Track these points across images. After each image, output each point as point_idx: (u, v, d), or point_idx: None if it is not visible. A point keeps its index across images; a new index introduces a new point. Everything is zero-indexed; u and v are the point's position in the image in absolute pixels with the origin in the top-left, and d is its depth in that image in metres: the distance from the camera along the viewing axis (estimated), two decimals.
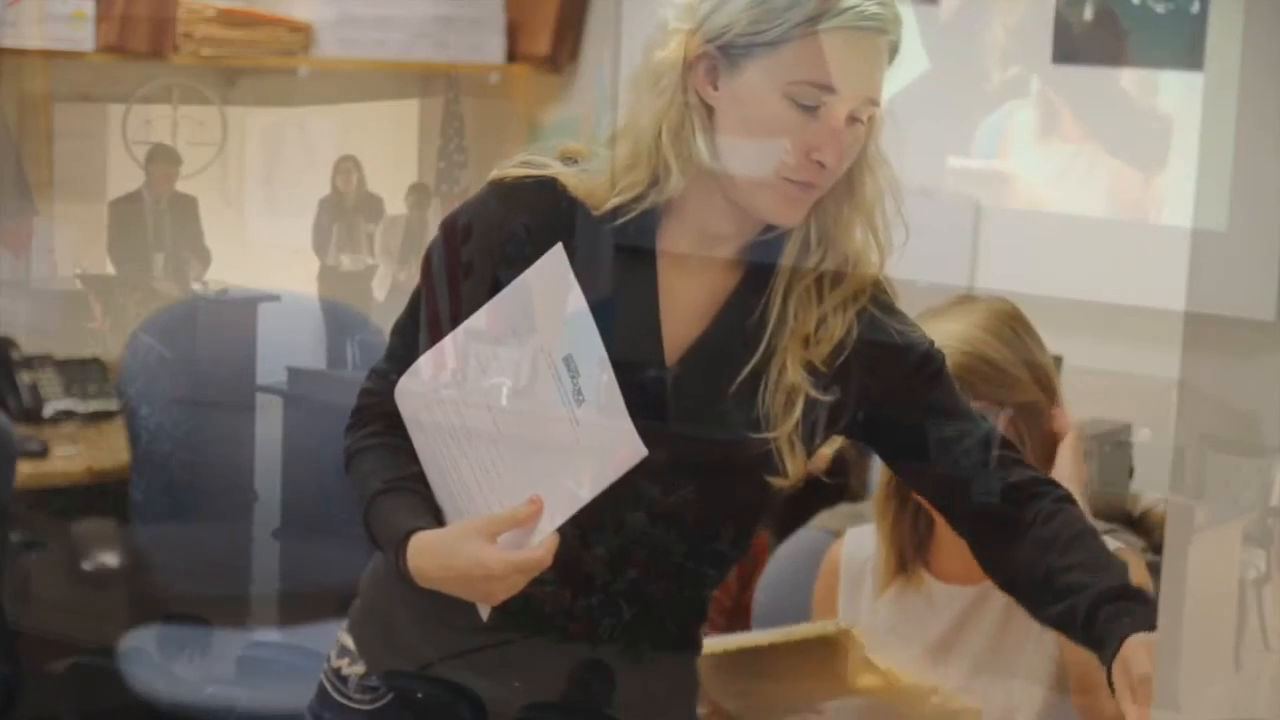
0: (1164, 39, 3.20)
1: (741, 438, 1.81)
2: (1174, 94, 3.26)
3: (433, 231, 1.92)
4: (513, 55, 4.10)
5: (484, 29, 4.06)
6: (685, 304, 1.84)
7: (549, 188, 1.83)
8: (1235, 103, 1.51)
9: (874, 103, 1.78)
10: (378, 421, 1.91)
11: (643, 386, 1.79)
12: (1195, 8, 3.11)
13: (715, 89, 1.78)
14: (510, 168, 1.86)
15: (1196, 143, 1.59)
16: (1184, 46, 3.13)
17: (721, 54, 1.77)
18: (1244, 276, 1.52)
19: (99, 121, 3.77)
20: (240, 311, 3.49)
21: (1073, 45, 3.31)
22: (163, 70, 3.75)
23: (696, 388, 1.82)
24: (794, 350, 1.81)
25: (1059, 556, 1.80)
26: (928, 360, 1.87)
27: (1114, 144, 3.31)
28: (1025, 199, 3.42)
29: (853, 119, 1.77)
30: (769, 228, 1.83)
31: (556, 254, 1.79)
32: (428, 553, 1.80)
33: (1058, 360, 3.18)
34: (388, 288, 3.86)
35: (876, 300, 1.85)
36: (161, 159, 3.77)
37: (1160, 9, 3.16)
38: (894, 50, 1.78)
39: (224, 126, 3.87)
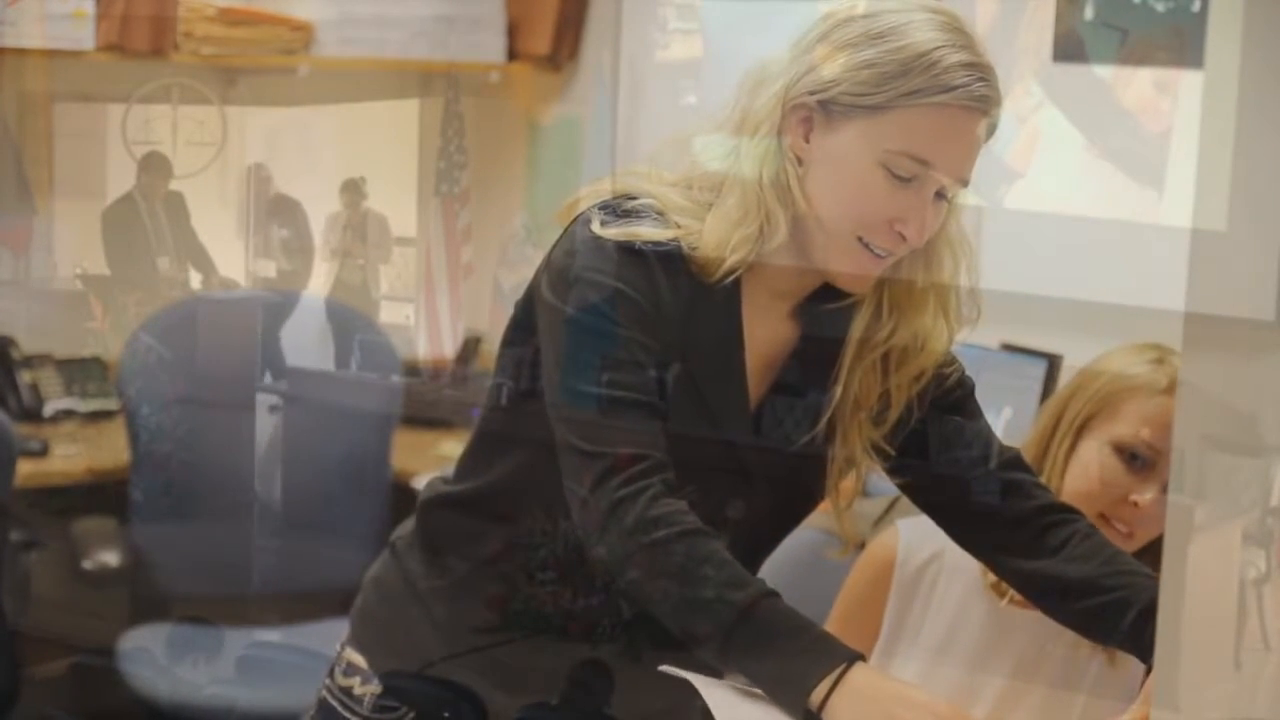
0: (1165, 38, 3.20)
1: (799, 501, 1.85)
2: (1174, 93, 3.25)
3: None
4: (513, 54, 4.10)
5: (484, 28, 4.06)
6: (758, 356, 1.83)
7: (674, 258, 1.76)
8: (1235, 102, 1.51)
9: (964, 183, 1.76)
10: (668, 487, 1.70)
11: (727, 436, 1.78)
12: (1195, 6, 3.11)
13: (806, 142, 1.75)
14: (610, 228, 1.74)
15: (1196, 142, 1.58)
16: (1184, 45, 3.13)
17: (820, 108, 1.74)
18: (1244, 276, 1.51)
19: (99, 121, 3.77)
20: (240, 311, 3.49)
21: (1073, 44, 3.31)
22: (163, 69, 3.75)
23: (767, 439, 1.82)
24: (856, 425, 1.81)
25: (1101, 566, 1.79)
26: (959, 385, 1.88)
27: (1114, 143, 3.31)
28: (1025, 199, 3.42)
29: (939, 195, 1.75)
30: (833, 293, 1.80)
31: None
32: (862, 695, 1.61)
33: (1057, 360, 3.18)
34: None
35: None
36: (153, 169, 3.76)
37: (1160, 8, 3.16)
38: (991, 131, 1.76)
39: (224, 126, 3.87)
